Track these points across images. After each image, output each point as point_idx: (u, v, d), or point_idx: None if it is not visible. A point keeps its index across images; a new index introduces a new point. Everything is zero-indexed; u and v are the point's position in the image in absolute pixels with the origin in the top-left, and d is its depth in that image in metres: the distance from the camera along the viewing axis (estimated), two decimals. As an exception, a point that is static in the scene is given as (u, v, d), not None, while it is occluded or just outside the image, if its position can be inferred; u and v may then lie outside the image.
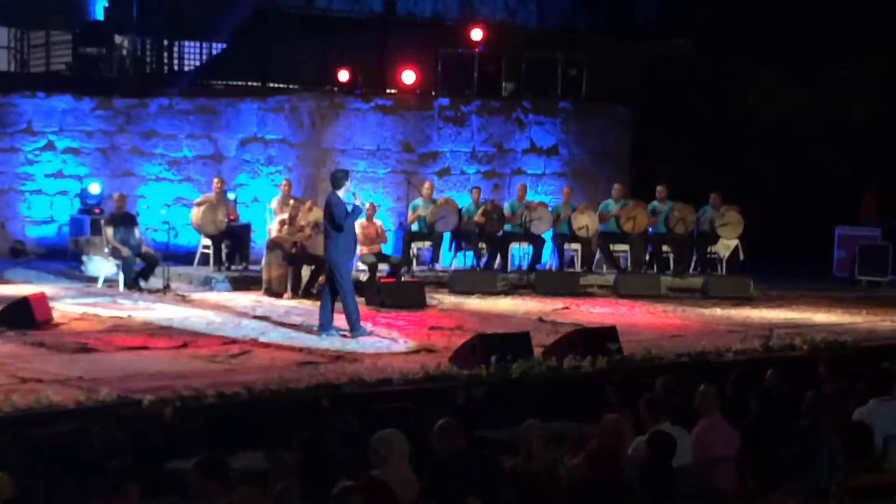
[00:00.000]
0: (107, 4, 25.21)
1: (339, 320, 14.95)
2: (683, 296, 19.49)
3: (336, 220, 14.74)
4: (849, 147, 23.88)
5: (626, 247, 21.42)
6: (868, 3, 24.45)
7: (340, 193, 14.85)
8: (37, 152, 22.18)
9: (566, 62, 24.26)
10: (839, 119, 23.85)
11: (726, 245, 21.40)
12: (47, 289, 17.18)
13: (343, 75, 23.03)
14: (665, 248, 21.56)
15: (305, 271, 18.28)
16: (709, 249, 21.58)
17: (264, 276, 18.49)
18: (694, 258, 21.65)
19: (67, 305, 16.40)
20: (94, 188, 21.69)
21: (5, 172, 22.06)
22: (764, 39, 24.86)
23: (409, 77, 23.20)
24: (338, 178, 15.08)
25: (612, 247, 21.46)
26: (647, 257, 21.59)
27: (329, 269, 15.13)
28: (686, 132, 23.65)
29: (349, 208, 14.80)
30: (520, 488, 7.55)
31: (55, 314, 15.32)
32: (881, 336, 15.80)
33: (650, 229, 21.53)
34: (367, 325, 15.18)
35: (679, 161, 22.79)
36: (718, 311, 17.85)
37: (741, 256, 21.36)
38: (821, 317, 17.49)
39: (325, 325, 14.83)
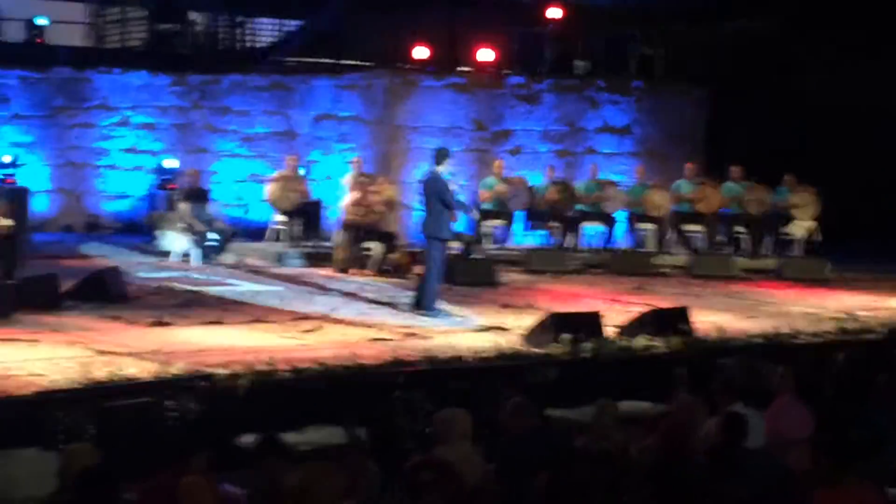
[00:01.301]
0: (184, -19, 25.36)
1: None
2: (757, 277, 19.36)
3: (443, 197, 14.77)
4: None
5: (699, 227, 21.29)
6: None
7: (441, 170, 14.87)
8: (112, 128, 22.36)
9: (641, 41, 24.14)
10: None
11: (801, 226, 21.23)
12: (122, 263, 17.35)
13: (417, 53, 23.04)
14: (739, 228, 21.42)
15: (378, 248, 18.32)
16: (783, 231, 21.42)
17: (336, 253, 18.56)
18: (768, 239, 21.48)
19: (142, 280, 16.55)
20: (170, 163, 21.85)
21: (81, 147, 22.24)
22: (846, 18, 24.55)
23: (486, 55, 23.18)
24: (441, 155, 15.10)
25: (685, 227, 21.34)
26: (722, 238, 21.45)
27: (427, 245, 15.17)
28: (762, 112, 23.43)
29: (439, 187, 14.84)
30: (590, 468, 7.56)
31: (130, 288, 15.47)
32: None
33: (724, 210, 21.39)
34: (442, 308, 15.12)
35: (755, 141, 22.59)
36: (793, 293, 17.72)
37: (817, 238, 21.18)
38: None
39: (429, 306, 14.87)
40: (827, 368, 11.65)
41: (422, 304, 14.77)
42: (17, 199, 18.56)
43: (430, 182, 15.00)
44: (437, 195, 14.82)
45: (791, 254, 21.12)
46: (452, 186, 15.13)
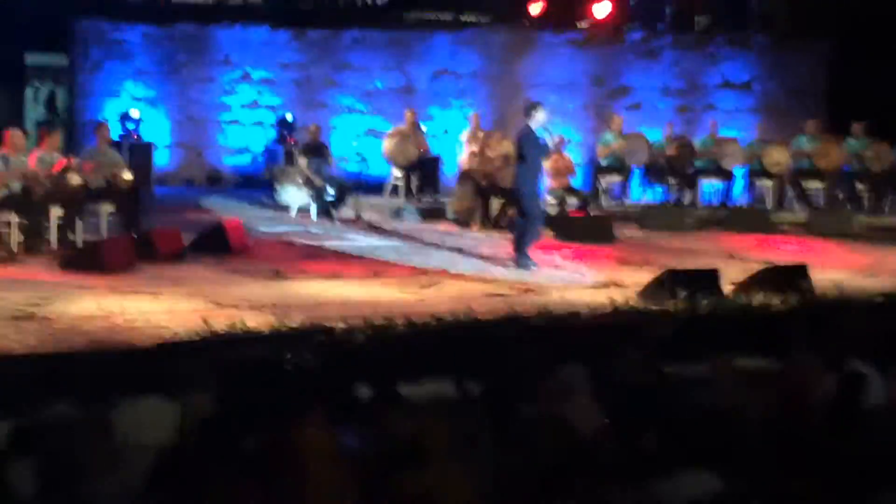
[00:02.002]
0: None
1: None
2: (879, 235, 19.06)
3: (522, 151, 14.85)
4: None
5: (819, 184, 21.04)
6: None
7: (532, 125, 14.84)
8: (233, 83, 22.56)
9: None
10: None
11: (925, 184, 20.91)
12: (242, 216, 17.52)
13: (538, 7, 22.94)
14: (860, 185, 21.12)
15: (495, 203, 18.30)
16: (907, 188, 21.11)
17: (454, 207, 18.59)
18: (890, 197, 21.14)
19: (261, 233, 16.70)
20: (290, 118, 22.00)
21: (202, 103, 22.48)
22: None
23: (602, 10, 23.02)
24: (526, 109, 15.13)
25: (805, 183, 21.09)
26: (842, 195, 21.16)
27: (516, 198, 15.22)
28: (887, 67, 23.01)
29: (540, 142, 14.82)
30: (709, 424, 7.51)
31: (250, 241, 15.62)
32: None
33: (845, 167, 21.09)
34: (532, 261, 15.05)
35: (878, 97, 22.19)
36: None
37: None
38: None
39: (522, 259, 14.88)
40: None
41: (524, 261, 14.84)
42: (141, 153, 18.86)
43: (518, 136, 15.06)
44: (519, 149, 14.88)
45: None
46: (549, 138, 15.09)
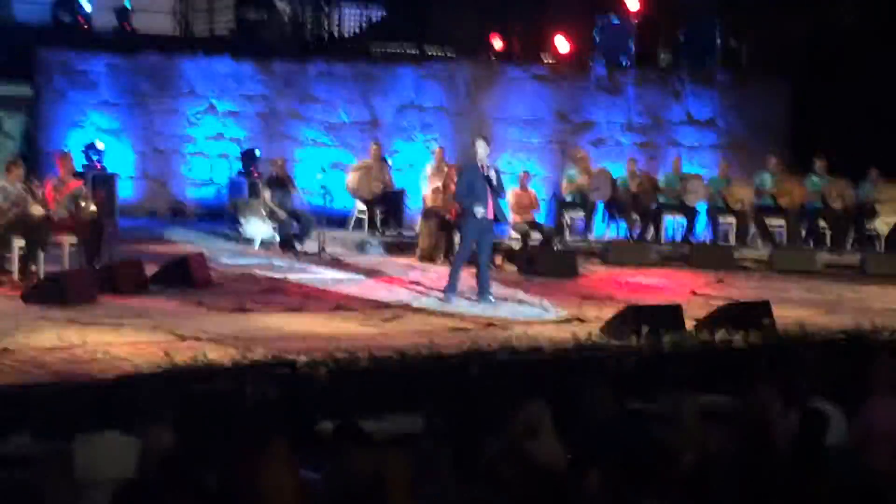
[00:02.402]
0: (269, -31, 25.48)
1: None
2: (840, 272, 19.15)
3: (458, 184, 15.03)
4: None
5: (781, 221, 21.11)
6: None
7: (476, 159, 14.97)
8: (198, 115, 22.51)
9: (725, 32, 23.97)
10: None
11: (886, 222, 20.97)
12: (206, 249, 17.48)
13: (499, 43, 23.02)
14: (822, 223, 21.21)
15: (458, 238, 18.29)
16: (867, 226, 21.17)
17: (419, 242, 18.59)
18: (852, 234, 21.25)
19: (225, 266, 16.66)
20: (255, 152, 21.96)
21: (167, 134, 22.40)
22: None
23: (563, 44, 23.12)
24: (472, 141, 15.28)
25: (767, 221, 21.15)
26: (804, 232, 21.25)
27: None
28: (848, 105, 23.17)
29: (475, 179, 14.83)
30: (670, 460, 7.52)
31: (213, 274, 15.58)
32: None
33: (807, 204, 21.18)
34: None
35: (839, 135, 22.34)
36: (876, 289, 17.51)
37: (902, 234, 20.94)
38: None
39: (486, 293, 14.91)
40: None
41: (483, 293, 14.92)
42: (105, 184, 18.78)
43: (458, 172, 15.24)
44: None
45: (874, 249, 20.85)
46: (486, 171, 14.88)
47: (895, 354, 10.86)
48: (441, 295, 14.92)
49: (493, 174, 14.84)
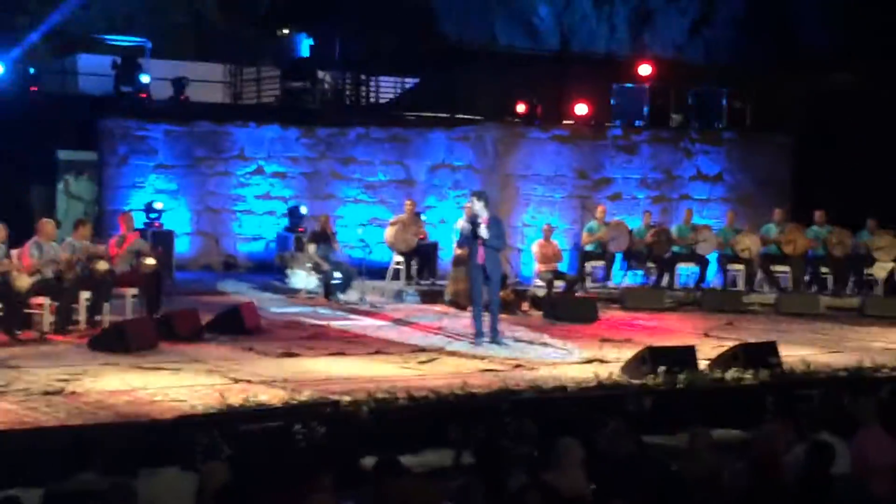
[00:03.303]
0: (312, 43, 25.67)
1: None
2: (841, 315, 19.05)
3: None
4: None
5: (786, 268, 21.03)
6: None
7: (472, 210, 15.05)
8: (247, 176, 22.64)
9: (731, 95, 23.99)
10: None
11: (883, 267, 20.88)
12: (255, 299, 17.51)
13: (522, 107, 23.09)
14: (824, 269, 21.13)
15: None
16: (866, 271, 21.09)
17: (450, 289, 18.58)
18: (851, 279, 21.16)
19: (273, 314, 16.68)
20: (299, 209, 22.05)
21: (219, 194, 22.55)
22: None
23: (581, 109, 23.17)
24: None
25: (773, 267, 21.09)
26: (807, 278, 21.17)
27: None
28: (845, 160, 23.13)
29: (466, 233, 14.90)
30: (686, 491, 7.48)
31: (263, 322, 15.60)
32: None
33: (809, 252, 21.11)
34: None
35: (838, 188, 22.31)
36: (875, 329, 17.41)
37: (898, 278, 20.85)
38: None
39: (494, 335, 14.87)
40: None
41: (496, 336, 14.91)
42: (163, 241, 18.88)
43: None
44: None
45: (873, 293, 20.75)
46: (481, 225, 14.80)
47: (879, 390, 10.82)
48: (472, 339, 14.91)
49: (482, 229, 14.73)
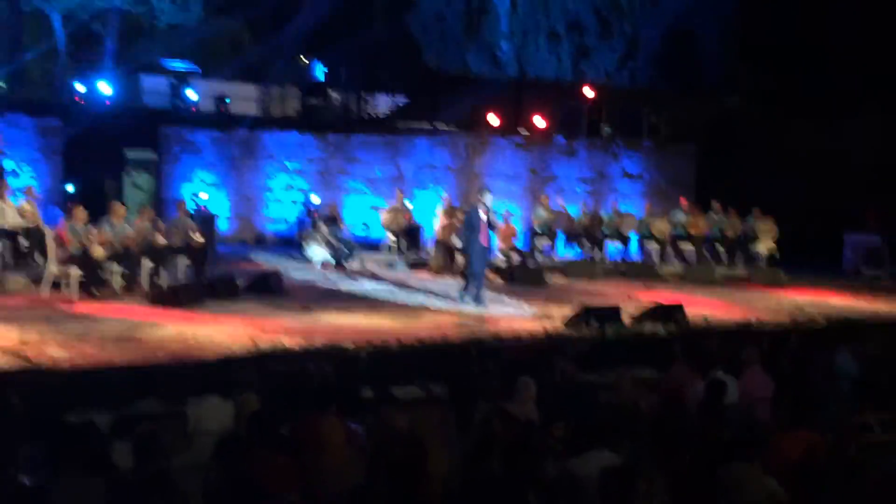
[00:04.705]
0: (326, 69, 25.57)
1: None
2: (733, 282, 19.11)
3: (466, 223, 14.80)
4: (855, 177, 23.24)
5: (690, 246, 21.07)
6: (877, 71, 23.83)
7: (481, 204, 14.73)
8: (274, 172, 22.54)
9: (649, 113, 24.02)
10: (849, 157, 23.27)
11: (764, 245, 20.95)
12: (280, 267, 17.46)
13: (490, 120, 23.09)
14: (719, 247, 21.19)
15: (460, 259, 18.26)
16: (752, 249, 21.15)
17: (431, 262, 18.57)
18: (741, 255, 21.22)
19: (294, 279, 16.64)
20: (315, 198, 21.99)
21: (252, 186, 22.44)
22: (793, 97, 24.34)
23: (540, 122, 23.17)
24: (478, 191, 15.14)
25: (680, 245, 21.11)
26: (706, 254, 21.21)
27: (467, 256, 15.23)
28: (736, 163, 23.21)
29: (477, 219, 14.62)
30: (611, 416, 7.50)
31: (286, 285, 15.56)
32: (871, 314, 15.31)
33: (708, 233, 21.15)
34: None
35: (730, 184, 22.38)
36: (758, 294, 17.48)
37: (776, 254, 20.90)
38: (834, 299, 17.01)
39: (477, 299, 14.79)
40: (783, 348, 11.45)
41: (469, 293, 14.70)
42: (208, 222, 18.78)
43: (467, 212, 15.13)
44: (466, 222, 14.84)
45: (756, 265, 20.82)
46: (485, 216, 14.58)
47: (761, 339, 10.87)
48: (471, 302, 14.58)
49: (491, 216, 14.69)
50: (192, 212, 19.21)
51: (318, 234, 19.19)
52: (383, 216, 20.52)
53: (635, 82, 28.73)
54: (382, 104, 26.87)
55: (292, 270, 17.67)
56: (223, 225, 21.59)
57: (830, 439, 7.10)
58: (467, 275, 14.94)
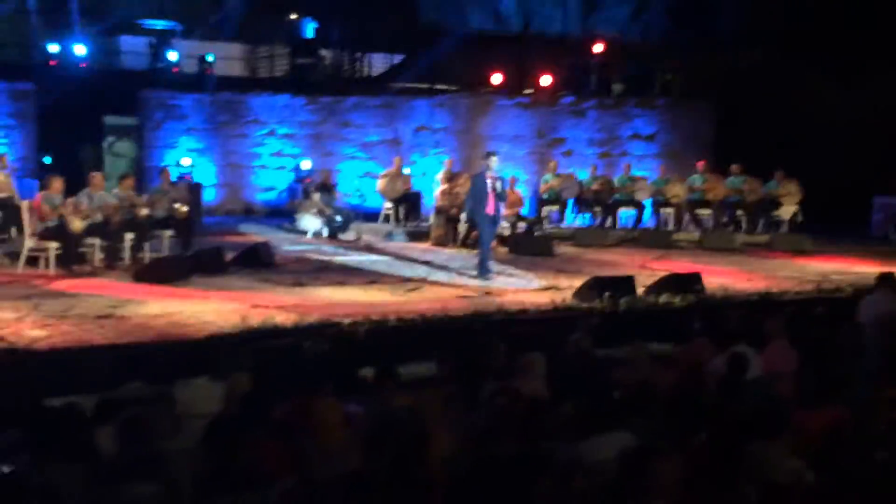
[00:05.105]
0: (317, 26, 25.46)
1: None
2: (754, 249, 19.12)
3: (472, 188, 14.71)
4: (887, 137, 23.15)
5: (708, 211, 21.08)
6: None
7: (487, 169, 14.46)
8: (262, 137, 22.53)
9: (663, 69, 23.95)
10: (881, 115, 23.17)
11: (787, 210, 20.95)
12: (270, 239, 17.47)
13: (493, 79, 23.02)
14: (739, 212, 21.19)
15: (462, 228, 18.28)
16: (773, 214, 21.15)
17: (432, 232, 18.58)
18: (762, 220, 21.23)
19: (285, 251, 16.65)
20: (305, 164, 21.99)
21: (239, 152, 22.44)
22: (817, 49, 24.22)
23: (545, 80, 23.11)
24: (484, 156, 15.01)
25: (697, 211, 21.12)
26: (725, 219, 21.23)
27: (472, 224, 15.17)
28: (755, 122, 23.12)
29: (483, 186, 14.38)
30: (625, 393, 7.51)
31: (276, 258, 15.57)
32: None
33: (728, 198, 21.16)
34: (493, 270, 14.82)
35: (750, 144, 22.32)
36: (780, 261, 17.48)
37: (800, 219, 20.89)
38: (861, 267, 17.01)
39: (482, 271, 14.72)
40: (807, 319, 11.46)
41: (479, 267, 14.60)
42: (193, 191, 18.79)
43: (472, 177, 15.00)
44: (472, 187, 14.70)
45: (779, 231, 20.82)
46: (493, 183, 14.31)
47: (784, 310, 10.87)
48: (479, 274, 14.45)
49: (498, 184, 14.39)
50: (177, 180, 19.22)
51: (310, 204, 19.21)
52: (380, 183, 20.51)
53: (648, 36, 28.61)
54: (377, 64, 26.78)
55: (284, 242, 17.67)
56: (209, 194, 21.59)
57: (858, 415, 7.11)
58: (485, 250, 14.65)
